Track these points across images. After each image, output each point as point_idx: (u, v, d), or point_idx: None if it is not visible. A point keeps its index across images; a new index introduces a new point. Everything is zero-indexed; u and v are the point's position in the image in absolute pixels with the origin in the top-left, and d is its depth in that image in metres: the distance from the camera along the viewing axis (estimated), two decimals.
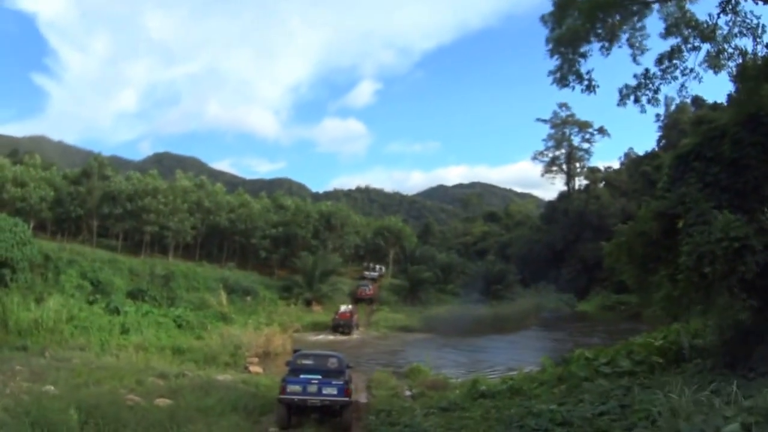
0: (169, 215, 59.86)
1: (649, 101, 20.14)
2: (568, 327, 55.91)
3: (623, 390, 14.83)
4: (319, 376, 17.71)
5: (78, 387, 19.02)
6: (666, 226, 16.71)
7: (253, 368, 29.01)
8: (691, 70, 19.50)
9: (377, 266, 77.85)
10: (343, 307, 54.00)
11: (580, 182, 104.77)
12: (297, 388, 17.29)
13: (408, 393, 23.83)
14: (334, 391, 17.31)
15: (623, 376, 17.14)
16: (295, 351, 21.20)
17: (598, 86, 19.56)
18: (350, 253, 77.35)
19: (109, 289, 45.55)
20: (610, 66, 20.11)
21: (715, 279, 14.11)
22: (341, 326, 50.91)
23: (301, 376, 17.74)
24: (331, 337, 47.34)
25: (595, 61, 19.57)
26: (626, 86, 20.25)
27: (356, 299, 64.77)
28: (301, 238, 67.51)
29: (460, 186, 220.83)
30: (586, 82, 19.54)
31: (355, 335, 49.61)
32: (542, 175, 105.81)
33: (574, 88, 19.51)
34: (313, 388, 17.28)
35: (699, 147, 18.47)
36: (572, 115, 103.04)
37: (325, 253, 65.70)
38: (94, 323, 34.11)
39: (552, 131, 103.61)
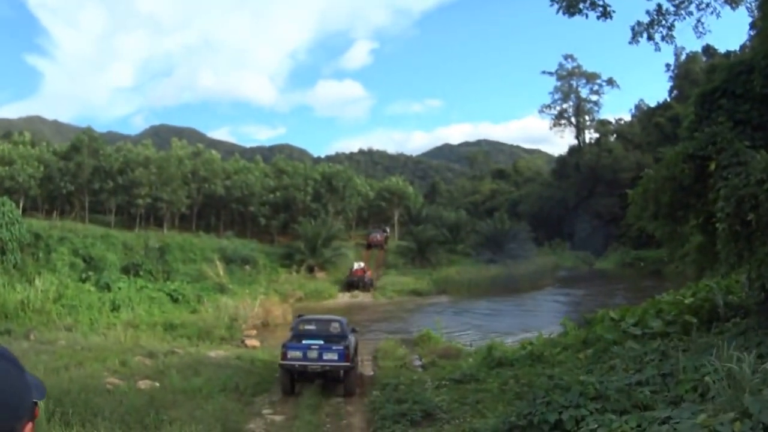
0: (161, 186, 58.19)
1: (663, 38, 18.90)
2: (586, 286, 54.35)
3: (658, 354, 13.35)
4: (321, 342, 17.66)
5: (57, 371, 17.64)
6: (697, 170, 15.17)
7: (249, 342, 27.39)
8: (707, 5, 18.20)
9: (384, 227, 76.57)
10: (356, 264, 54.54)
11: (590, 136, 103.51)
12: (297, 354, 17.20)
13: (418, 363, 22.45)
14: (335, 357, 17.13)
15: (655, 338, 15.58)
16: (298, 316, 21.47)
17: (614, 12, 17.80)
18: (353, 216, 75.62)
19: (102, 265, 44.34)
20: (621, 5, 18.39)
21: (759, 226, 12.51)
22: (355, 282, 51.54)
23: (303, 342, 17.78)
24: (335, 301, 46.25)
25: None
26: (638, 23, 18.92)
27: (368, 246, 67.45)
28: (301, 203, 65.67)
29: (465, 144, 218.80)
30: (600, 8, 17.73)
31: (369, 298, 48.61)
32: (551, 129, 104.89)
33: (587, 15, 17.70)
34: (313, 354, 17.16)
35: (726, 83, 16.94)
36: (579, 67, 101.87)
37: (327, 217, 64.04)
38: (84, 301, 32.91)
39: (559, 83, 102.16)
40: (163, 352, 22.23)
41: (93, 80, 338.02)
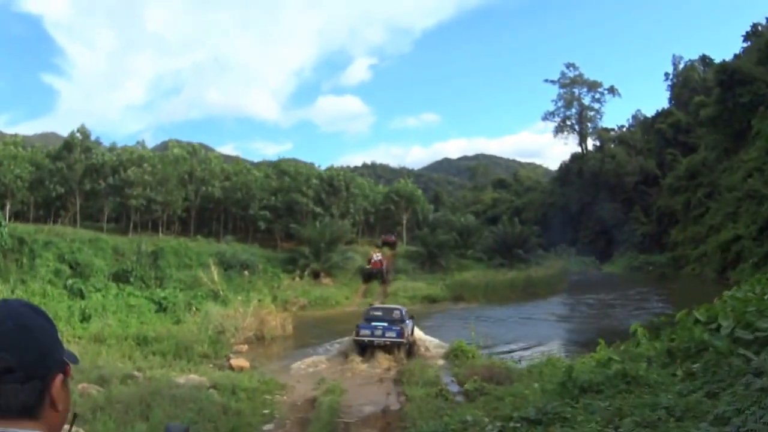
0: (156, 186, 51.08)
1: None
2: (606, 290, 47.24)
3: None
4: (385, 324, 21.87)
5: None
6: None
7: (235, 362, 19.69)
8: None
9: (393, 234, 70.66)
10: (374, 255, 52.08)
11: (592, 143, 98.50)
12: (367, 332, 21.69)
13: (456, 389, 15.53)
14: (394, 335, 21.47)
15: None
16: (369, 305, 28.01)
17: None
18: (360, 219, 67.92)
19: (88, 272, 37.65)
20: None
21: None
22: (374, 275, 49.77)
23: (371, 323, 22.08)
24: (344, 310, 39.10)
25: None
26: None
27: (382, 243, 64.62)
28: (304, 205, 58.42)
29: (464, 158, 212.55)
30: None
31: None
32: (554, 136, 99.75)
33: None
34: (378, 332, 21.55)
35: None
36: (581, 75, 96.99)
37: (332, 220, 56.51)
38: (51, 310, 26.00)
39: (562, 91, 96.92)
40: (120, 377, 15.47)
41: (107, 98, 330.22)
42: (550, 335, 28.28)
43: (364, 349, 21.69)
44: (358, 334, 21.72)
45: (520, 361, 18.50)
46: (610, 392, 11.29)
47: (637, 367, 12.69)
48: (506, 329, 29.71)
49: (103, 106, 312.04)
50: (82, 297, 30.95)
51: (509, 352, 22.71)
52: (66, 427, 1.59)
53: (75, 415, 1.64)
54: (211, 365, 19.51)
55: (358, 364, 20.92)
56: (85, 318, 26.50)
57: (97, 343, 21.49)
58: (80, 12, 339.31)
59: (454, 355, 20.22)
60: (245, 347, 24.08)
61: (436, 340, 25.02)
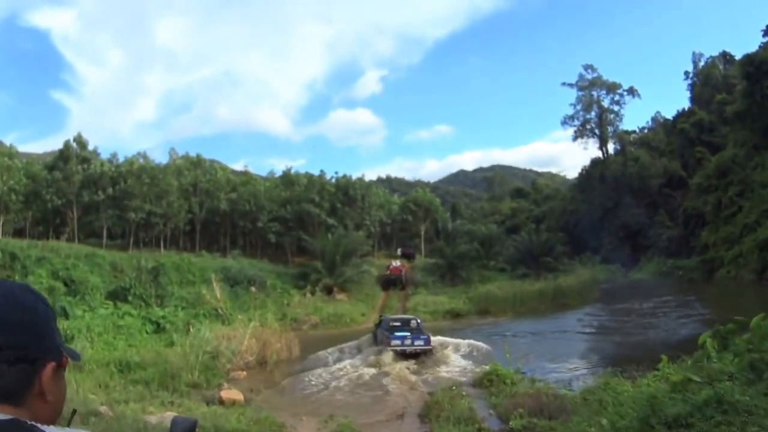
0: (155, 198, 48.23)
1: None
2: (641, 297, 43.49)
3: None
4: (408, 333, 23.96)
5: None
6: None
7: (226, 394, 16.14)
8: None
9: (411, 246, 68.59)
10: (393, 263, 51.44)
11: (613, 146, 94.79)
12: (398, 342, 23.34)
13: (497, 425, 12.35)
14: (422, 342, 23.59)
15: None
16: (380, 316, 30.07)
17: None
18: (376, 231, 64.79)
19: (83, 289, 35.04)
20: None
21: None
22: (392, 281, 49.09)
23: (396, 334, 23.80)
24: (360, 328, 35.89)
25: None
26: None
27: (401, 255, 63.04)
28: (316, 216, 55.25)
29: (480, 170, 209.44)
30: None
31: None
32: (573, 141, 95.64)
33: None
34: (408, 342, 23.42)
35: None
36: (599, 77, 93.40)
37: (347, 232, 53.41)
38: None
39: (580, 93, 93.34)
40: (84, 413, 12.54)
41: (117, 115, 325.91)
42: (593, 351, 25.17)
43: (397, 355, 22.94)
44: (389, 344, 23.10)
45: (570, 383, 15.20)
46: (704, 426, 8.26)
47: (731, 389, 9.67)
48: (543, 345, 26.23)
49: (114, 124, 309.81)
50: (66, 316, 28.12)
51: (554, 372, 19.37)
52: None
53: (74, 411, 1.53)
54: (199, 397, 16.35)
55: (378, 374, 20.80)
56: (67, 339, 23.62)
57: (74, 370, 18.56)
58: (88, 27, 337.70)
59: (488, 380, 16.88)
60: (243, 374, 20.98)
61: (454, 340, 26.04)
